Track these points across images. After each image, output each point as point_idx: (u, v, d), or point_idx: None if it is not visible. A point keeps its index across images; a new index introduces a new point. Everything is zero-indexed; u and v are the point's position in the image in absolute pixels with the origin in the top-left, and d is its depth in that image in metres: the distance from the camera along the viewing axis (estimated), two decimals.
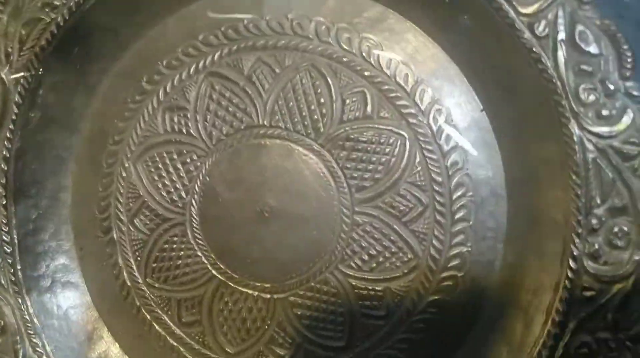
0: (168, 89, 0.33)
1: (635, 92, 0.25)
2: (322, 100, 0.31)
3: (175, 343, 0.34)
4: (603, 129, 0.26)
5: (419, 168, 0.30)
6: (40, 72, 0.31)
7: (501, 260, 0.30)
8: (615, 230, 0.26)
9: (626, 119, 0.25)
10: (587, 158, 0.26)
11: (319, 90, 0.31)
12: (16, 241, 0.33)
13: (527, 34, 0.26)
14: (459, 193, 0.30)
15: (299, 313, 0.32)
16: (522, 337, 0.29)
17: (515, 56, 0.27)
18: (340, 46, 0.31)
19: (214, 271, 0.33)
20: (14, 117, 0.31)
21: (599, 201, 0.26)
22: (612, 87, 0.25)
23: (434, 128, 0.30)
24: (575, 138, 0.26)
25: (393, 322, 0.31)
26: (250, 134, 0.32)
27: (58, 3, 0.30)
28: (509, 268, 0.30)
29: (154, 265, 0.34)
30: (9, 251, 0.33)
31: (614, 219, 0.26)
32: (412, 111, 0.30)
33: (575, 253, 0.26)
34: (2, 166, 0.32)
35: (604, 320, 0.27)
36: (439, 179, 0.30)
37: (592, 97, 0.26)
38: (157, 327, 0.34)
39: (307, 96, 0.31)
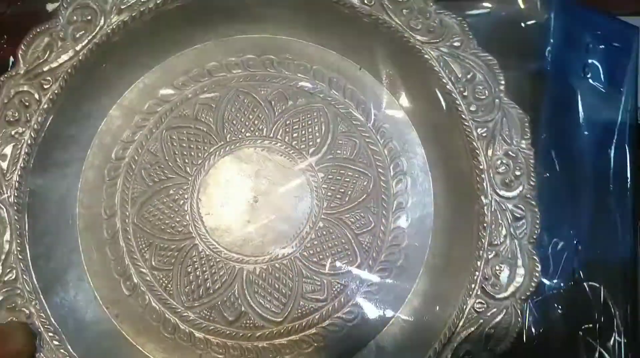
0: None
1: None
2: (321, 133, 0.42)
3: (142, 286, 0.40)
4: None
5: (373, 201, 0.41)
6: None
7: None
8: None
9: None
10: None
11: (322, 125, 0.42)
12: None
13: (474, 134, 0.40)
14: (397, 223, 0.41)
15: (254, 283, 0.40)
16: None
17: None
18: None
19: (191, 228, 0.41)
20: None
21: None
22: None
23: (391, 179, 0.42)
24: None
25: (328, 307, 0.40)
26: (258, 138, 0.42)
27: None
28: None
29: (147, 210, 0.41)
30: None
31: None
32: (381, 164, 0.42)
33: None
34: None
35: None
36: (385, 213, 0.41)
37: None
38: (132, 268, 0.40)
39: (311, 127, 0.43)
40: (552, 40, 0.41)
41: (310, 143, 0.42)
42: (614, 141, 0.43)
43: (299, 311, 0.40)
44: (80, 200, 0.41)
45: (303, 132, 0.42)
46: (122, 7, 0.39)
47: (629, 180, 0.43)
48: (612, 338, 0.41)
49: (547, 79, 0.42)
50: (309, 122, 0.42)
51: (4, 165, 0.38)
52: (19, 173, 0.38)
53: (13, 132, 0.38)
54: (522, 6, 0.43)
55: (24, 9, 0.48)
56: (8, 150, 0.38)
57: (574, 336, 0.41)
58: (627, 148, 0.43)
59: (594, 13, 0.44)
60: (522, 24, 0.42)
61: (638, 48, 0.44)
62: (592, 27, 0.42)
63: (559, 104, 0.41)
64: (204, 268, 0.40)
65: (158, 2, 0.39)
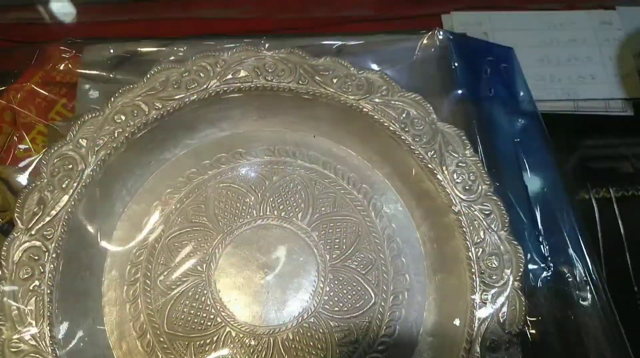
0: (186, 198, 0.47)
1: None
2: (302, 198, 0.47)
3: None
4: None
5: (366, 240, 0.46)
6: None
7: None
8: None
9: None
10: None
11: (301, 192, 0.47)
12: None
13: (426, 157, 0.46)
14: (394, 253, 0.46)
15: (291, 349, 0.42)
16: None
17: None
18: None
19: (220, 319, 0.43)
20: None
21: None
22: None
23: (374, 216, 0.47)
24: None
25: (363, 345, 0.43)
26: (251, 220, 0.46)
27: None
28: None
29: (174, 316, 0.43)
30: None
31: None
32: (361, 207, 0.47)
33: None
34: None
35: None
36: (380, 247, 0.46)
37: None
38: None
39: (293, 196, 0.47)
40: (458, 73, 0.49)
41: (297, 209, 0.46)
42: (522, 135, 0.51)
43: None
44: (110, 331, 0.43)
45: (287, 202, 0.46)
46: (97, 148, 0.43)
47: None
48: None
49: (466, 103, 0.49)
50: (289, 192, 0.47)
51: (33, 322, 0.39)
52: (47, 321, 0.39)
53: (31, 287, 0.40)
54: (423, 49, 0.52)
55: None
56: (32, 304, 0.40)
57: None
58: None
59: (479, 42, 0.54)
60: (435, 63, 0.50)
61: (517, 62, 0.53)
62: (484, 55, 0.51)
63: (483, 121, 0.48)
64: (243, 350, 0.42)
65: (127, 135, 0.44)
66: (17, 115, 0.53)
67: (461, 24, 0.58)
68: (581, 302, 0.43)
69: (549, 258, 0.45)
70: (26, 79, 0.54)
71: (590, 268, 0.44)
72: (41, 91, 0.51)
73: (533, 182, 0.47)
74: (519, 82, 0.51)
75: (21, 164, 0.50)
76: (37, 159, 0.49)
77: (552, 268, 0.45)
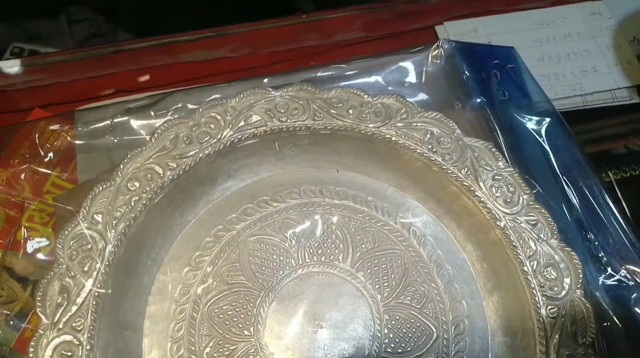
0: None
1: None
2: (341, 238, 0.44)
3: None
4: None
5: (416, 272, 0.43)
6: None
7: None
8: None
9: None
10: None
11: (338, 232, 0.44)
12: None
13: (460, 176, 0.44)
14: (445, 280, 0.43)
15: None
16: None
17: None
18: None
19: None
20: None
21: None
22: None
23: (417, 245, 0.45)
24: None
25: None
26: (292, 271, 0.43)
27: None
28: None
29: None
30: None
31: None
32: (401, 237, 0.45)
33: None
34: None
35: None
36: (430, 277, 0.43)
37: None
38: None
39: (330, 237, 0.44)
40: (470, 82, 0.48)
41: (337, 251, 0.43)
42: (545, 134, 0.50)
43: None
44: None
45: (325, 245, 0.43)
46: (115, 221, 0.39)
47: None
48: None
49: (483, 111, 0.48)
50: (325, 234, 0.44)
51: None
52: None
53: None
54: (431, 62, 0.50)
55: None
56: None
57: None
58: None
59: (482, 46, 0.52)
60: (443, 76, 0.48)
61: (522, 61, 0.52)
62: (489, 59, 0.50)
63: (505, 128, 0.47)
64: None
65: (144, 202, 0.40)
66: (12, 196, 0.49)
67: (456, 33, 0.57)
68: None
69: (601, 256, 0.43)
70: (8, 156, 0.50)
71: None
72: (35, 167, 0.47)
73: (567, 180, 0.46)
74: (528, 80, 0.50)
75: (27, 249, 0.46)
76: (43, 242, 0.45)
77: (608, 267, 0.43)
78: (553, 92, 0.56)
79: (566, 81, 0.57)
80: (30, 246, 0.47)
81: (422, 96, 0.48)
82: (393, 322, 0.41)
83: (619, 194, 0.50)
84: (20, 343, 0.44)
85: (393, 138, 0.43)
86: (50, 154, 0.49)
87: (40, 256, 0.46)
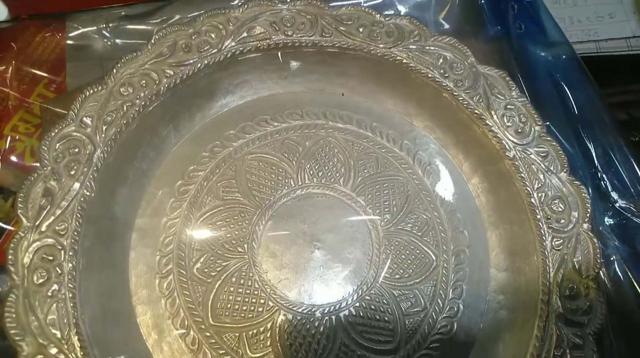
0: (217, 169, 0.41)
1: None
2: (342, 161, 0.42)
3: None
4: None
5: (418, 199, 0.42)
6: None
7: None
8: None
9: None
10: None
11: (339, 154, 0.42)
12: None
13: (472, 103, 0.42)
14: (448, 209, 0.41)
15: (357, 325, 0.38)
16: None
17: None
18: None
19: (272, 302, 0.38)
20: None
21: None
22: None
23: (421, 173, 0.43)
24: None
25: (431, 312, 0.38)
26: (290, 191, 0.41)
27: None
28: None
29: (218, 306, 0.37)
30: None
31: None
32: (406, 165, 0.42)
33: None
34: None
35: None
36: (432, 205, 0.42)
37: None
38: None
39: (331, 159, 0.42)
40: (487, 11, 0.45)
41: (338, 175, 0.41)
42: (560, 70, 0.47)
43: (409, 329, 0.38)
44: (146, 333, 0.37)
45: (326, 168, 0.41)
46: (105, 126, 0.37)
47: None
48: None
49: (498, 42, 0.45)
50: (326, 157, 0.42)
51: (58, 333, 0.33)
52: (75, 330, 0.33)
53: (50, 292, 0.34)
54: None
55: None
56: (54, 312, 0.33)
57: None
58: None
59: None
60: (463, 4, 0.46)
61: None
62: None
63: (519, 60, 0.45)
64: (303, 334, 0.37)
65: (137, 108, 0.38)
66: None
67: None
68: None
69: (611, 195, 0.42)
70: None
71: None
72: (26, 69, 0.44)
73: (580, 118, 0.44)
74: (545, 16, 0.48)
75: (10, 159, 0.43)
76: (27, 147, 0.43)
77: (615, 205, 0.41)
78: (567, 35, 0.53)
79: (581, 26, 0.54)
80: (14, 157, 0.44)
81: (436, 24, 0.46)
82: (392, 248, 0.40)
83: None
84: (0, 255, 0.42)
85: (404, 60, 0.41)
86: (39, 62, 0.46)
87: (22, 166, 0.44)
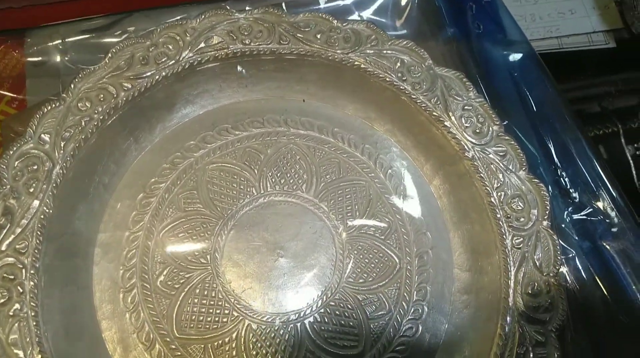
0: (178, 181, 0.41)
1: None
2: (304, 168, 0.42)
3: None
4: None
5: (380, 203, 0.42)
6: None
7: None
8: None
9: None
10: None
11: (301, 161, 0.42)
12: None
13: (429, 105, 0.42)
14: (412, 211, 0.42)
15: (322, 331, 0.38)
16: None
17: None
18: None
19: (237, 312, 0.38)
20: None
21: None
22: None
23: (383, 176, 0.43)
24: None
25: (395, 315, 0.39)
26: (252, 199, 0.41)
27: None
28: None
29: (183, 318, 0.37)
30: None
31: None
32: (367, 168, 0.43)
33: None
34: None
35: None
36: (394, 208, 0.42)
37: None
38: None
39: (293, 166, 0.42)
40: (445, 12, 0.46)
41: (300, 181, 0.41)
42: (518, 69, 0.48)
43: (374, 333, 0.38)
44: (112, 348, 0.37)
45: (288, 175, 0.41)
46: (63, 142, 0.37)
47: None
48: None
49: (456, 43, 0.46)
50: (288, 164, 0.42)
51: (21, 353, 0.33)
52: (38, 348, 0.33)
53: (11, 312, 0.34)
54: None
55: None
56: (15, 332, 0.33)
57: None
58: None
59: None
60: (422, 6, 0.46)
61: None
62: None
63: (477, 59, 0.45)
64: (268, 343, 0.37)
65: (95, 123, 0.38)
66: None
67: None
68: (611, 229, 0.41)
69: (571, 191, 0.42)
70: None
71: (614, 194, 0.41)
72: None
73: (539, 115, 0.44)
74: (504, 15, 0.48)
75: None
76: None
77: (576, 200, 0.42)
78: (529, 33, 0.54)
79: (542, 22, 0.55)
80: None
81: (395, 27, 0.46)
82: (355, 252, 0.40)
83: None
84: None
85: (362, 65, 0.41)
86: (1, 80, 0.46)
87: None
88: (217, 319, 0.37)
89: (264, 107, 0.43)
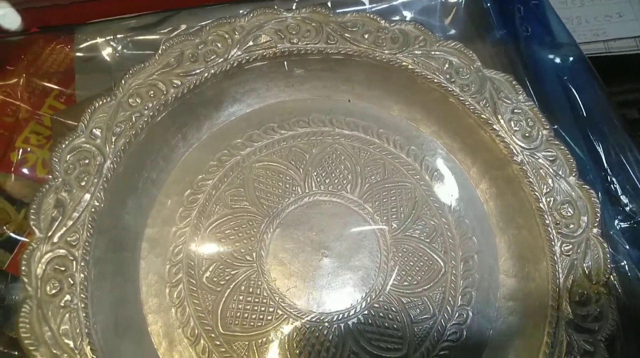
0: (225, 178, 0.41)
1: None
2: (349, 168, 0.42)
3: None
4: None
5: (425, 205, 0.41)
6: None
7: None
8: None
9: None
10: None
11: (346, 161, 0.42)
12: None
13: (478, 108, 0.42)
14: (456, 215, 0.41)
15: (366, 332, 0.38)
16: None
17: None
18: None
19: (281, 311, 0.38)
20: None
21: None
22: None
23: (429, 179, 0.42)
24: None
25: (440, 319, 0.38)
26: (298, 198, 0.41)
27: None
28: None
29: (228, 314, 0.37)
30: None
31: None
32: (413, 171, 0.42)
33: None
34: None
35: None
36: (440, 211, 0.41)
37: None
38: None
39: (338, 166, 0.42)
40: (493, 15, 0.45)
41: (345, 181, 0.41)
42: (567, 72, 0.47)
43: (418, 337, 0.38)
44: (157, 342, 0.37)
45: (333, 175, 0.41)
46: (114, 137, 0.37)
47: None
48: None
49: (504, 46, 0.45)
50: (333, 164, 0.42)
51: (71, 343, 0.33)
52: (87, 340, 0.33)
53: (62, 303, 0.34)
54: None
55: None
56: (66, 323, 0.34)
57: None
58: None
59: None
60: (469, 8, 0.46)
61: None
62: None
63: (526, 62, 0.44)
64: (313, 342, 0.37)
65: (146, 119, 0.38)
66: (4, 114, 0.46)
67: None
68: None
69: (621, 198, 0.41)
70: (7, 73, 0.47)
71: None
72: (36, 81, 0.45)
73: (589, 120, 0.43)
74: (552, 18, 0.47)
75: (22, 171, 0.44)
76: (39, 159, 0.43)
77: (626, 208, 0.41)
78: (575, 36, 0.52)
79: (589, 26, 0.54)
80: (26, 169, 0.45)
81: (442, 28, 0.46)
82: (400, 255, 0.40)
83: None
84: (13, 266, 0.43)
85: (410, 66, 0.41)
86: (49, 75, 0.46)
87: (34, 178, 0.44)
88: (261, 317, 0.37)
89: (309, 107, 0.43)
